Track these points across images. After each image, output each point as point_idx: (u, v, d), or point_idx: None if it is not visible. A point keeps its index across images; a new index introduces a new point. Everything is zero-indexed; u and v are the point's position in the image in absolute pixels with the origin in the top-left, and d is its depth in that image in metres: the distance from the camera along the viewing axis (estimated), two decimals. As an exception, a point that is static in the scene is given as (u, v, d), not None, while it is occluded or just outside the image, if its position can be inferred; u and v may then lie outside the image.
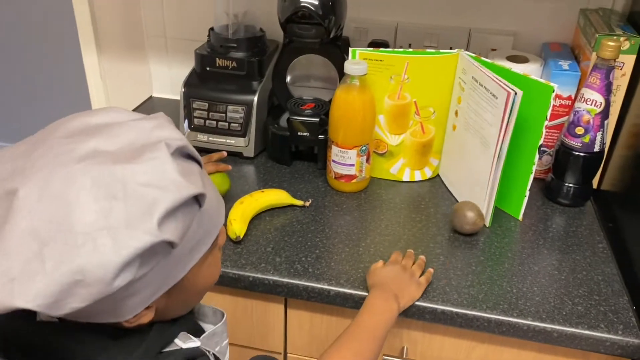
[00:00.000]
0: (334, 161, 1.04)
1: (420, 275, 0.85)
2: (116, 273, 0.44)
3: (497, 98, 0.90)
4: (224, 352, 0.72)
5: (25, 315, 0.53)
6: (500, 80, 0.90)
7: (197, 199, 0.51)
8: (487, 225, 0.99)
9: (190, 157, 0.53)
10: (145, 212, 0.46)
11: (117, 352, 0.53)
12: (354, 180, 1.05)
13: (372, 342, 0.74)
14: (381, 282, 0.82)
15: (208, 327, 0.68)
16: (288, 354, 0.97)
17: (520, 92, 0.87)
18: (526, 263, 0.91)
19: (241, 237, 0.92)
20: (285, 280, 0.85)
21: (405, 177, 1.12)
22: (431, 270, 0.86)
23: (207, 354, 0.63)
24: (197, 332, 0.66)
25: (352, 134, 1.01)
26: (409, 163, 1.11)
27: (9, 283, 0.44)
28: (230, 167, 1.03)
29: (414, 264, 0.87)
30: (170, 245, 0.48)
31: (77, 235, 0.44)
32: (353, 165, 1.03)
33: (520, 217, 1.01)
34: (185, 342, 0.60)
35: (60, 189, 0.45)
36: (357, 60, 0.99)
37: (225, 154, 1.05)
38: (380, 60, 1.00)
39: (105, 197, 0.45)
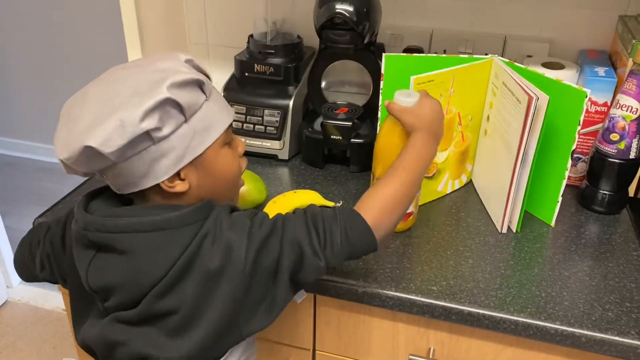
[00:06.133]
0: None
1: None
2: (142, 117, 0.64)
3: (520, 103, 0.89)
4: None
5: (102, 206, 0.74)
6: (525, 85, 0.89)
7: (202, 90, 0.71)
8: (515, 231, 0.98)
9: (199, 70, 0.74)
10: (160, 81, 0.66)
11: (170, 211, 0.70)
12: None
13: (415, 184, 0.80)
14: (427, 125, 0.83)
15: None
16: (317, 351, 0.99)
17: (545, 97, 0.86)
18: (557, 268, 0.90)
19: (273, 235, 0.94)
20: (315, 277, 0.87)
21: (448, 190, 1.10)
22: None
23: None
24: None
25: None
26: (451, 175, 1.09)
27: (82, 133, 0.65)
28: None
29: None
30: (181, 110, 0.67)
31: (120, 98, 0.66)
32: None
33: (552, 224, 1.01)
34: None
35: (112, 81, 0.69)
36: (408, 92, 0.87)
37: None
38: (431, 81, 0.95)
39: (137, 78, 0.68)
